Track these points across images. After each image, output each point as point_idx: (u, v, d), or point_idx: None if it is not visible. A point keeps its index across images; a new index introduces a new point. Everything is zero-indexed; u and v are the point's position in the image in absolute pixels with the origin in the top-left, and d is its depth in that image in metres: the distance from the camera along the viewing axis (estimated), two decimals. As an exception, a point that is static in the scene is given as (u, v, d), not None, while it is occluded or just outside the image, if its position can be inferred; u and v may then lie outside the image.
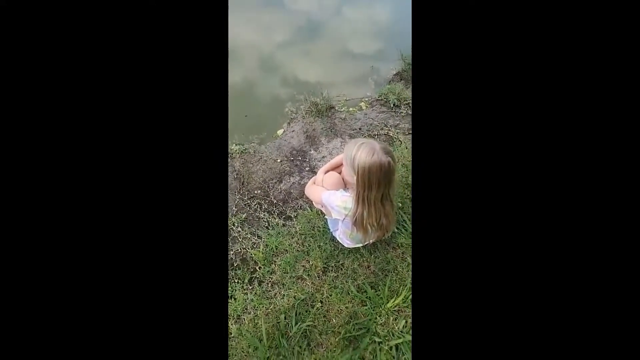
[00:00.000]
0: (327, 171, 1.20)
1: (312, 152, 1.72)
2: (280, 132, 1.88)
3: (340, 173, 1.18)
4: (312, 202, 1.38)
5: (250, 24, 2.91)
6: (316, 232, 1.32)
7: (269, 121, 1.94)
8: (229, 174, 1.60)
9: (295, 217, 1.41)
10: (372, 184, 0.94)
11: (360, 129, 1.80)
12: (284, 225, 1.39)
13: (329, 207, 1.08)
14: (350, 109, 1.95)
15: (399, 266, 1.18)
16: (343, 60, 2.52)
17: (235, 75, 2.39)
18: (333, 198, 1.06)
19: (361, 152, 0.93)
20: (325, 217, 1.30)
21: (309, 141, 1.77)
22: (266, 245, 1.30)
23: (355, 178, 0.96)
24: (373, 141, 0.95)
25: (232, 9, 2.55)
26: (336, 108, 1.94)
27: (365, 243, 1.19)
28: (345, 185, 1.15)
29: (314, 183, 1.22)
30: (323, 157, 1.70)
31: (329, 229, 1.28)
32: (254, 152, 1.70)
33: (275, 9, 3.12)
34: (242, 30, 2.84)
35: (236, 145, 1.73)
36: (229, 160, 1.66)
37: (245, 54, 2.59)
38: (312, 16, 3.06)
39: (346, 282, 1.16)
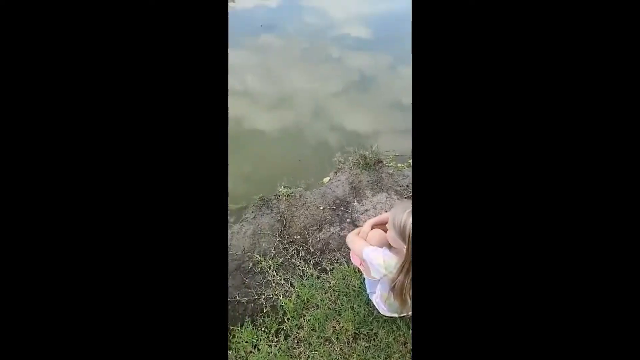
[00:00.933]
0: (374, 225, 1.17)
1: (355, 203, 1.71)
2: (326, 179, 1.92)
3: (386, 232, 1.15)
4: (350, 257, 1.35)
5: (308, 75, 3.18)
6: (351, 290, 1.27)
7: (317, 167, 2.01)
8: (274, 215, 1.65)
9: (331, 270, 1.38)
10: None
11: (407, 186, 1.77)
12: (318, 277, 1.36)
13: (369, 264, 1.04)
14: (399, 165, 1.95)
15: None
16: (392, 111, 2.59)
17: (288, 119, 2.57)
18: (374, 255, 1.02)
19: (410, 222, 0.90)
20: (363, 276, 1.25)
21: (353, 192, 1.78)
22: (298, 295, 1.27)
23: (401, 245, 0.92)
24: None
25: (294, 61, 2.82)
26: (384, 162, 1.95)
27: (403, 315, 1.10)
28: (389, 246, 1.11)
29: (358, 234, 1.20)
30: (366, 210, 1.68)
31: (365, 290, 1.22)
32: (299, 197, 1.75)
33: (333, 64, 3.38)
34: (299, 79, 3.10)
35: (284, 188, 1.80)
36: (276, 202, 1.72)
37: (299, 101, 2.79)
38: (366, 71, 3.26)
39: (378, 356, 1.07)
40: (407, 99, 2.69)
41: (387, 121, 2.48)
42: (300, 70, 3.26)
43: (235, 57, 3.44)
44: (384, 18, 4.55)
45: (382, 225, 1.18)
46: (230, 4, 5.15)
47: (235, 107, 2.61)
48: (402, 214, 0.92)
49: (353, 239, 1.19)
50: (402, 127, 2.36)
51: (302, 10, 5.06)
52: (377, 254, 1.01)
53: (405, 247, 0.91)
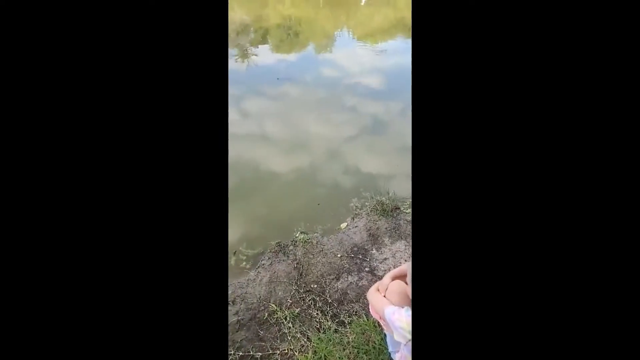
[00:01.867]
0: (394, 277, 1.13)
1: (373, 251, 1.68)
2: (343, 225, 1.91)
3: (407, 284, 1.11)
4: (369, 309, 1.29)
5: (324, 121, 3.33)
6: (371, 347, 1.20)
7: (334, 212, 2.02)
8: (290, 262, 1.63)
9: (349, 324, 1.31)
10: None
11: (426, 234, 1.74)
12: (336, 330, 1.29)
13: (392, 326, 0.99)
14: (417, 211, 1.93)
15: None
16: (406, 155, 2.63)
17: (303, 162, 2.65)
18: (397, 317, 0.97)
19: None
20: (385, 332, 1.18)
21: (371, 239, 1.75)
22: (315, 352, 1.21)
23: None
24: None
25: (310, 108, 2.97)
26: (402, 209, 1.94)
27: None
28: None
29: (378, 289, 1.16)
30: (385, 258, 1.64)
31: (386, 348, 1.15)
32: (316, 243, 1.74)
33: (348, 110, 3.55)
34: (315, 125, 3.24)
35: (301, 233, 1.79)
36: (293, 248, 1.71)
37: (314, 145, 2.90)
38: (379, 117, 3.39)
39: None
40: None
41: (401, 164, 2.52)
42: (316, 117, 3.43)
43: (255, 104, 3.68)
44: (395, 70, 4.84)
45: (403, 277, 1.14)
46: (253, 58, 5.63)
47: (253, 151, 2.73)
48: None
49: (374, 296, 1.15)
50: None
51: (318, 64, 5.46)
52: (400, 316, 0.97)
53: None
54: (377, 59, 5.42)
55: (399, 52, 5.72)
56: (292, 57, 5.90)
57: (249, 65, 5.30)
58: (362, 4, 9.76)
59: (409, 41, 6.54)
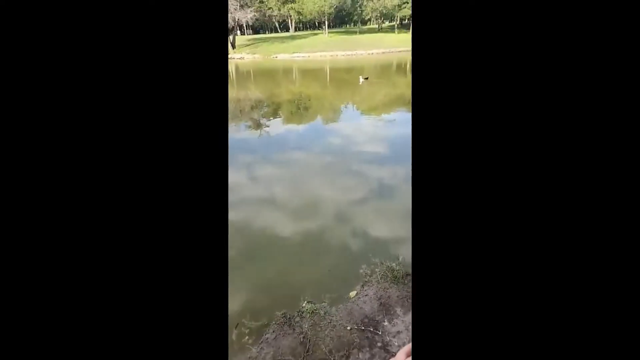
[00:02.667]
0: (408, 354, 1.02)
1: (385, 323, 1.55)
2: (353, 294, 1.81)
3: None
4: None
5: (331, 185, 3.41)
6: None
7: (342, 278, 1.93)
8: (296, 336, 1.50)
9: (363, 413, 1.15)
10: None
11: (442, 304, 1.62)
12: (347, 422, 1.12)
13: None
14: (430, 278, 1.84)
15: None
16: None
17: (311, 225, 2.63)
18: None
19: None
20: None
21: (382, 310, 1.63)
22: None
23: None
24: None
25: (317, 173, 3.07)
26: (414, 276, 1.85)
27: None
28: None
29: None
30: (398, 331, 1.50)
31: None
32: (324, 314, 1.62)
33: (354, 175, 3.66)
34: (325, 189, 3.32)
35: (308, 303, 1.69)
36: (299, 319, 1.59)
37: (322, 207, 2.92)
38: (385, 181, 3.46)
39: None
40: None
41: (409, 228, 2.48)
42: (323, 181, 3.53)
43: (265, 170, 3.85)
44: (398, 138, 5.12)
45: None
46: (265, 129, 6.08)
47: (261, 215, 2.76)
48: None
49: None
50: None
51: (326, 133, 5.85)
52: None
53: None
54: (381, 128, 5.79)
55: (401, 123, 6.13)
56: (300, 127, 6.37)
57: (261, 135, 5.71)
58: (360, 84, 10.87)
59: (409, 114, 7.06)
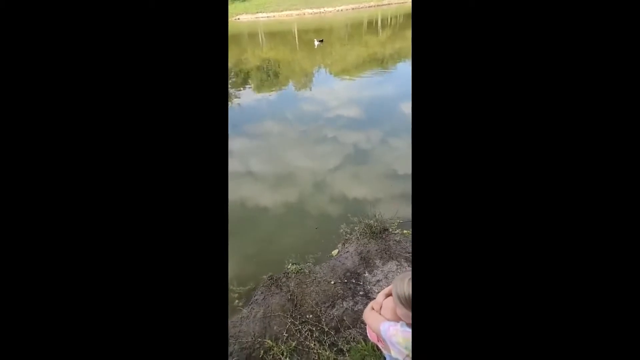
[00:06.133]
0: (388, 294, 1.13)
1: (366, 274, 1.68)
2: (335, 252, 1.92)
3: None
4: (367, 333, 1.27)
5: (307, 154, 3.43)
6: (372, 373, 1.17)
7: (324, 240, 2.03)
8: (284, 294, 1.60)
9: (348, 351, 1.28)
10: None
11: (416, 252, 1.77)
12: (335, 360, 1.26)
13: (389, 343, 0.98)
14: (404, 231, 1.97)
15: None
16: (389, 180, 2.72)
17: (290, 195, 2.69)
18: (393, 332, 0.97)
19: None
20: (384, 353, 1.16)
21: (363, 263, 1.76)
22: (315, 384, 1.16)
23: (408, 317, 0.89)
24: None
25: (293, 143, 3.06)
26: (390, 230, 1.97)
27: None
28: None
29: (373, 308, 1.15)
30: (378, 280, 1.64)
31: (387, 372, 1.12)
32: (309, 272, 1.73)
33: (330, 142, 3.68)
34: (301, 159, 3.33)
35: (293, 265, 1.79)
36: (286, 280, 1.69)
37: (299, 177, 2.96)
38: (360, 146, 3.52)
39: None
40: (401, 168, 2.86)
41: (385, 189, 2.59)
42: (299, 151, 3.53)
43: (239, 143, 3.77)
44: (373, 100, 5.11)
45: None
46: (236, 100, 5.85)
47: (240, 189, 2.76)
48: (402, 284, 0.90)
49: (369, 315, 1.14)
50: (399, 193, 2.46)
51: (298, 100, 5.72)
52: (396, 331, 0.96)
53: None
54: (353, 91, 5.72)
55: (374, 84, 6.07)
56: (272, 95, 6.17)
57: (232, 106, 5.50)
58: (315, 47, 10.45)
59: (383, 73, 6.96)
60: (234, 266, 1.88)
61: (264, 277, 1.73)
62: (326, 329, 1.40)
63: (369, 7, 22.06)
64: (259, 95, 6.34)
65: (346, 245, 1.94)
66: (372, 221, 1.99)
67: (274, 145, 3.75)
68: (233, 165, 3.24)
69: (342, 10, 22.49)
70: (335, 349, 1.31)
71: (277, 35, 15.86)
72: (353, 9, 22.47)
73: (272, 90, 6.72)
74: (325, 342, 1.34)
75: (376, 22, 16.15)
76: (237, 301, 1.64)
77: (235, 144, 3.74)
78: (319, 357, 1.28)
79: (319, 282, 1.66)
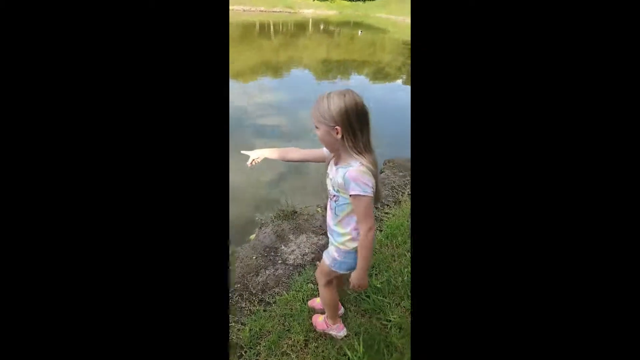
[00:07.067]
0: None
1: (282, 247, 2.04)
2: (252, 236, 2.21)
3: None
4: (289, 290, 1.61)
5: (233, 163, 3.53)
6: (294, 312, 1.54)
7: (242, 229, 2.29)
8: (212, 272, 1.81)
9: (275, 302, 1.62)
10: (356, 129, 0.87)
11: (320, 226, 2.23)
12: (264, 310, 1.58)
13: (362, 183, 0.90)
14: (310, 212, 2.42)
15: (373, 328, 1.42)
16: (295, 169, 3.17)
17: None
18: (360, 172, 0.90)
19: (334, 100, 0.87)
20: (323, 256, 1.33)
21: (279, 239, 2.11)
22: (250, 329, 1.46)
23: (337, 130, 0.88)
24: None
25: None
26: (298, 212, 2.39)
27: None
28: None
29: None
30: (292, 250, 2.02)
31: (308, 311, 1.50)
32: (231, 253, 1.97)
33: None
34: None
35: (217, 247, 1.99)
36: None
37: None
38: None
39: (326, 349, 1.35)
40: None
41: (294, 182, 3.01)
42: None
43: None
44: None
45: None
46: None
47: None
48: (321, 102, 0.89)
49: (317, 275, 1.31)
50: (300, 185, 2.92)
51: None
52: (359, 170, 0.91)
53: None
54: (273, 95, 5.95)
55: (270, 89, 6.42)
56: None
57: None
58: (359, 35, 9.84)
59: (274, 80, 7.37)
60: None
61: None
62: (254, 292, 1.70)
63: (260, 11, 22.34)
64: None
65: (263, 228, 2.26)
66: (283, 207, 2.37)
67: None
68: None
69: (233, 9, 22.10)
70: (264, 303, 1.62)
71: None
72: (244, 10, 22.37)
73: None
74: (254, 300, 1.64)
75: (268, 27, 16.54)
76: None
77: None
78: (250, 312, 1.57)
79: (242, 259, 1.93)
